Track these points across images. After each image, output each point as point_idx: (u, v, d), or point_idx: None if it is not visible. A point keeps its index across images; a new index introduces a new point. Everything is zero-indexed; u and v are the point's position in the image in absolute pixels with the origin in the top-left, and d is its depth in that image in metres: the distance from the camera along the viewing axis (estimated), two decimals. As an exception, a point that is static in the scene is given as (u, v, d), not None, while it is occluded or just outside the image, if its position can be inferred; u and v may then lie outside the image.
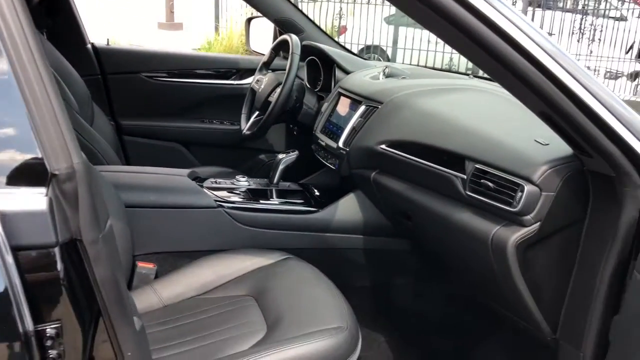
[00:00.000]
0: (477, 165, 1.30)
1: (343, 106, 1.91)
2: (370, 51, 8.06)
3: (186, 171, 1.80)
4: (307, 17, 2.49)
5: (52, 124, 0.73)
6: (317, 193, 1.88)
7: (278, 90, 2.04)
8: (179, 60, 2.50)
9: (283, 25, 2.45)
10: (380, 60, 8.27)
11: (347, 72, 2.09)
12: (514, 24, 0.99)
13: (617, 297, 1.15)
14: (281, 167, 1.86)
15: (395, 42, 8.22)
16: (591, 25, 7.28)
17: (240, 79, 2.57)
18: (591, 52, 7.25)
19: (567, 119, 1.06)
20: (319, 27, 2.53)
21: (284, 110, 2.04)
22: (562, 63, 1.02)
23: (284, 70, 2.41)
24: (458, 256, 1.47)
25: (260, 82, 2.22)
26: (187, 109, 2.53)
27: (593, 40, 7.25)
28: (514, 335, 1.44)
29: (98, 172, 1.39)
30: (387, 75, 1.85)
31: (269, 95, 2.10)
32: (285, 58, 2.47)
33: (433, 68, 2.03)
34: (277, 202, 1.79)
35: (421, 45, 7.83)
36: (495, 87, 1.74)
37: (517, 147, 1.27)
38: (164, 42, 9.01)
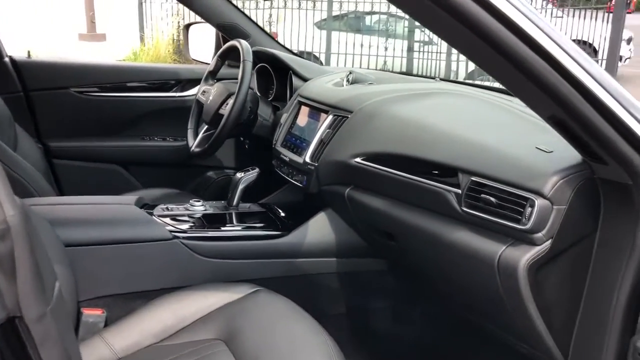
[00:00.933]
0: (473, 178, 1.17)
1: (305, 117, 1.74)
2: (302, 57, 7.92)
3: (132, 198, 1.58)
4: (252, 21, 2.31)
5: None
6: (282, 214, 1.70)
7: (230, 101, 1.85)
8: (113, 72, 2.25)
9: (227, 31, 2.25)
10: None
11: (304, 80, 1.92)
12: (526, 17, 0.86)
13: (636, 316, 1.05)
14: (241, 187, 1.67)
15: (328, 47, 8.14)
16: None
17: (182, 90, 2.35)
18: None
19: (583, 122, 0.94)
20: (265, 32, 2.35)
21: (238, 124, 1.84)
22: (581, 61, 0.90)
23: (232, 79, 2.22)
24: (453, 279, 1.33)
25: (207, 93, 2.02)
26: (124, 126, 2.29)
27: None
28: None
29: (35, 215, 1.16)
30: (352, 82, 1.70)
31: (219, 107, 1.90)
32: (232, 66, 2.28)
33: (395, 72, 1.89)
34: (239, 228, 1.60)
35: (354, 50, 7.80)
36: (471, 90, 1.63)
37: (519, 156, 1.15)
38: (86, 55, 8.53)
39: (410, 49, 7.95)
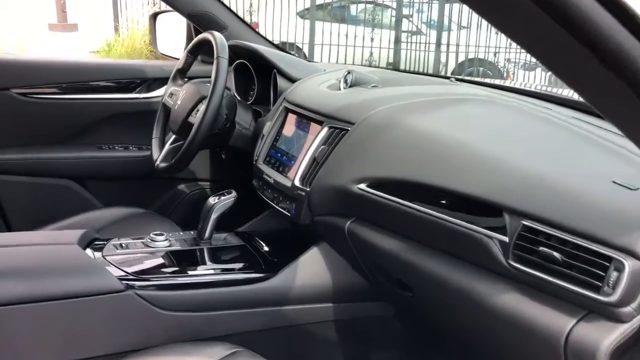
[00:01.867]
0: (525, 222, 0.86)
1: (293, 127, 1.42)
2: (285, 49, 7.57)
3: (76, 234, 1.25)
4: (229, 9, 1.97)
5: None
6: (265, 248, 1.38)
7: (202, 107, 1.52)
8: (64, 70, 1.90)
9: (199, 21, 1.92)
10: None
11: (292, 80, 1.60)
12: None
13: None
14: (214, 216, 1.34)
15: (312, 38, 7.79)
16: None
17: (148, 91, 2.01)
18: (511, 44, 7.14)
19: None
20: (245, 22, 2.02)
21: (210, 134, 1.52)
22: None
23: (206, 78, 1.89)
24: (492, 351, 1.02)
25: (175, 95, 1.68)
26: (78, 134, 1.94)
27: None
28: None
29: None
30: (352, 84, 1.37)
31: (188, 113, 1.57)
32: (206, 62, 1.95)
33: (400, 70, 1.57)
34: (212, 270, 1.28)
35: (339, 41, 7.46)
36: (497, 94, 1.32)
37: (592, 194, 0.84)
38: (56, 46, 8.08)
39: (397, 40, 7.63)
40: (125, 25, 8.92)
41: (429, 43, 7.43)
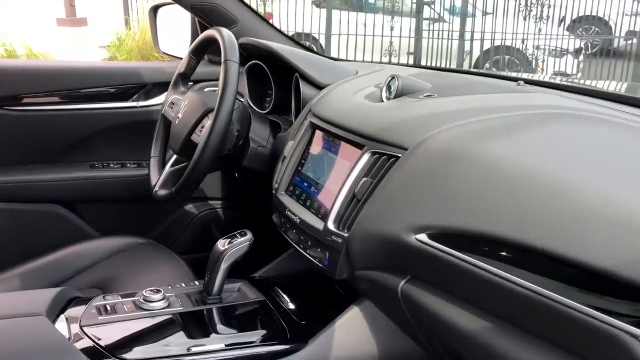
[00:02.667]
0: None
1: (322, 148, 1.11)
2: (301, 39, 7.26)
3: (47, 296, 0.98)
4: (240, 0, 1.67)
5: None
6: (290, 305, 1.09)
7: (207, 122, 1.23)
8: (48, 76, 1.61)
9: (205, 15, 1.62)
10: (313, 50, 7.47)
11: (319, 87, 1.29)
12: None
13: None
14: (224, 266, 1.05)
15: (328, 27, 7.44)
16: (537, 1, 6.77)
17: (147, 97, 1.72)
18: (540, 30, 6.75)
19: None
20: (257, 14, 1.71)
21: (220, 155, 1.22)
22: None
23: (212, 81, 1.59)
24: None
25: (176, 105, 1.39)
26: (66, 151, 1.66)
27: (540, 17, 6.74)
28: None
29: None
30: (398, 93, 1.06)
31: (192, 130, 1.27)
32: (214, 63, 1.66)
33: (451, 70, 1.25)
34: (223, 341, 0.98)
35: (357, 30, 7.11)
36: (592, 105, 1.00)
37: None
38: (65, 41, 7.84)
39: (418, 28, 7.25)
40: (136, 18, 8.65)
41: (452, 31, 7.05)
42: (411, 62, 7.24)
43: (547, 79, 1.19)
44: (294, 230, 1.09)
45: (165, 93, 1.69)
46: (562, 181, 0.73)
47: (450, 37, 7.03)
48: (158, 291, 1.03)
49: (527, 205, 0.74)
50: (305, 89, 1.28)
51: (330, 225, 0.98)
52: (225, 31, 1.25)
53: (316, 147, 1.12)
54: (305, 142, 1.15)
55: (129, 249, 1.52)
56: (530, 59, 7.01)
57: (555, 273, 0.69)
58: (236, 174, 1.56)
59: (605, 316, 0.62)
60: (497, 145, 0.84)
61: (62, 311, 0.98)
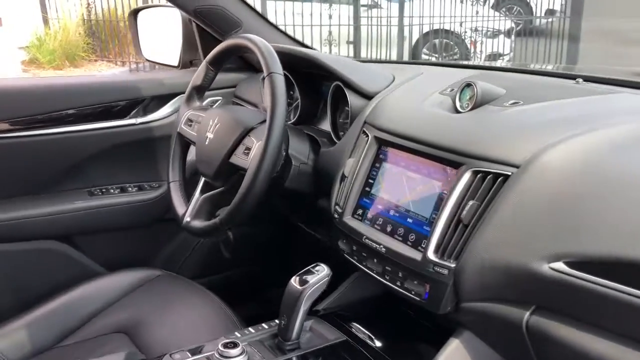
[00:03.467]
0: None
1: (396, 165, 1.01)
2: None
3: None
4: (243, 1, 1.53)
5: None
6: (377, 343, 0.99)
7: (252, 142, 1.10)
8: (31, 95, 1.40)
9: (208, 18, 1.48)
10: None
11: (367, 96, 1.18)
12: None
13: None
14: (304, 309, 0.93)
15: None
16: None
17: (145, 113, 1.55)
18: (477, 12, 6.88)
19: None
20: (262, 17, 1.58)
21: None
22: None
23: (224, 89, 1.47)
24: None
25: (197, 123, 1.25)
26: (59, 179, 1.47)
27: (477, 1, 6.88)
28: None
29: None
30: (478, 102, 0.97)
31: (231, 151, 1.14)
32: (225, 70, 1.51)
33: (508, 69, 1.17)
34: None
35: (294, 20, 6.97)
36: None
37: None
38: (-19, 45, 7.23)
39: (356, 15, 7.21)
40: (56, 16, 8.12)
41: (391, 17, 7.05)
42: (351, 51, 7.19)
43: (606, 75, 1.13)
44: (375, 260, 0.98)
45: (166, 106, 1.54)
46: None
47: (389, 24, 7.03)
48: (235, 344, 0.90)
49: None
50: (352, 98, 1.17)
51: (431, 255, 0.88)
52: (260, 40, 1.12)
53: (388, 165, 1.02)
54: (371, 159, 1.05)
55: (146, 284, 1.38)
56: (465, 40, 7.12)
57: None
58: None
59: None
60: (628, 157, 0.78)
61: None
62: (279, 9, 7.01)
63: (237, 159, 1.12)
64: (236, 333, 1.00)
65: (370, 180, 1.04)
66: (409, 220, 0.95)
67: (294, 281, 0.95)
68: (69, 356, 1.19)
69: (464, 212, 0.86)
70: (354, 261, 1.04)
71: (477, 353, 0.92)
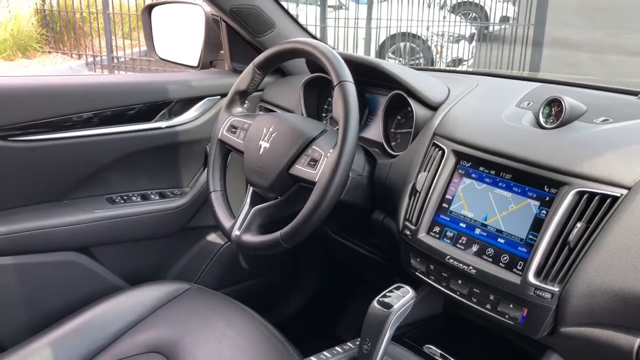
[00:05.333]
0: None
1: (480, 181, 0.98)
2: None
3: None
4: (277, 3, 1.46)
5: None
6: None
7: (317, 153, 1.04)
8: (50, 96, 1.29)
9: (241, 18, 1.41)
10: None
11: (432, 106, 1.14)
12: None
13: None
14: (389, 333, 0.89)
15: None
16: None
17: (170, 116, 1.46)
18: (444, 17, 6.96)
19: None
20: (293, 18, 1.52)
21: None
22: None
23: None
24: None
25: (242, 130, 1.18)
26: (78, 186, 1.36)
27: (444, 4, 6.96)
28: None
29: None
30: (566, 119, 0.94)
31: (291, 162, 1.07)
32: (238, 72, 1.44)
33: (567, 83, 1.16)
34: None
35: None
36: None
37: None
38: None
39: (323, 16, 7.17)
40: (7, 5, 7.71)
41: (358, 18, 7.05)
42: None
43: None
44: (460, 281, 0.94)
45: (193, 109, 1.46)
46: None
47: (356, 25, 7.03)
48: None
49: None
50: (418, 109, 1.13)
51: (532, 279, 0.85)
52: (325, 46, 1.06)
53: (469, 180, 0.98)
54: (448, 174, 1.01)
55: (175, 299, 1.29)
56: (430, 44, 7.19)
57: None
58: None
59: None
60: None
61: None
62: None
63: (300, 170, 1.06)
64: (312, 358, 0.94)
65: (448, 197, 1.00)
66: (501, 240, 0.91)
67: (377, 304, 0.89)
68: None
69: (571, 235, 0.83)
70: (430, 280, 1.00)
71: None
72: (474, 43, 7.81)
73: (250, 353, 1.10)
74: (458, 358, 0.97)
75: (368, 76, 1.24)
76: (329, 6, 7.28)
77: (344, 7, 7.36)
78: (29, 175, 1.28)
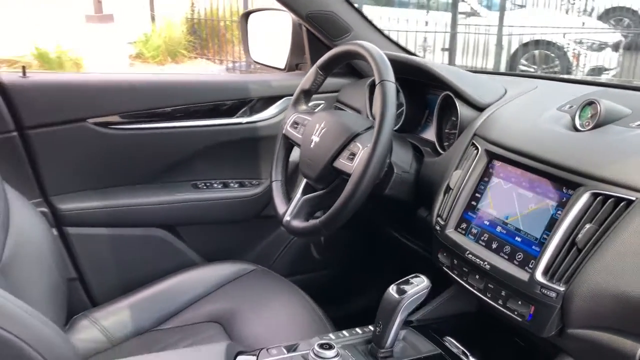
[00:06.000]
0: None
1: (506, 180, 0.99)
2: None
3: (220, 347, 0.92)
4: (355, 8, 1.55)
5: None
6: (471, 359, 0.97)
7: (357, 148, 1.11)
8: (149, 91, 1.49)
9: (318, 23, 1.51)
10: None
11: (479, 108, 1.16)
12: None
13: None
14: (400, 318, 0.93)
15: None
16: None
17: (252, 112, 1.60)
18: (583, 23, 6.57)
19: None
20: (370, 23, 1.59)
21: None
22: None
23: (329, 93, 1.49)
24: None
25: (302, 126, 1.28)
26: (168, 171, 1.55)
27: (585, 10, 6.57)
28: None
29: None
30: (601, 121, 0.93)
31: (335, 155, 1.16)
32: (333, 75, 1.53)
33: (633, 87, 1.12)
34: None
35: (390, 25, 6.96)
36: None
37: None
38: (95, 37, 7.76)
39: (454, 22, 7.09)
40: (162, 15, 8.54)
41: (490, 25, 6.87)
42: (446, 58, 7.09)
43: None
44: (477, 277, 0.97)
45: (272, 107, 1.59)
46: None
47: (487, 32, 6.86)
48: (330, 347, 0.91)
49: None
50: (463, 109, 1.16)
51: (539, 277, 0.86)
52: (373, 47, 1.13)
53: (497, 180, 1.00)
54: (479, 173, 1.03)
55: (242, 277, 1.43)
56: (567, 52, 6.81)
57: None
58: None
59: None
60: None
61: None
62: (375, 13, 7.04)
63: (341, 163, 1.14)
64: (330, 335, 1.02)
65: (477, 195, 1.03)
66: (518, 239, 0.93)
67: (392, 290, 0.95)
68: (167, 339, 1.26)
69: (580, 235, 0.83)
70: (454, 275, 1.03)
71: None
72: (620, 51, 7.27)
73: (295, 335, 1.18)
74: (476, 355, 0.99)
75: (419, 77, 1.29)
76: (461, 13, 7.18)
77: (475, 14, 7.23)
78: (126, 159, 1.48)
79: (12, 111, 1.33)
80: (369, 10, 7.07)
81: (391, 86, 1.07)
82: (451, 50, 7.09)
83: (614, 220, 0.81)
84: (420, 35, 7.01)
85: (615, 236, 0.80)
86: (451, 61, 7.00)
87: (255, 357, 0.92)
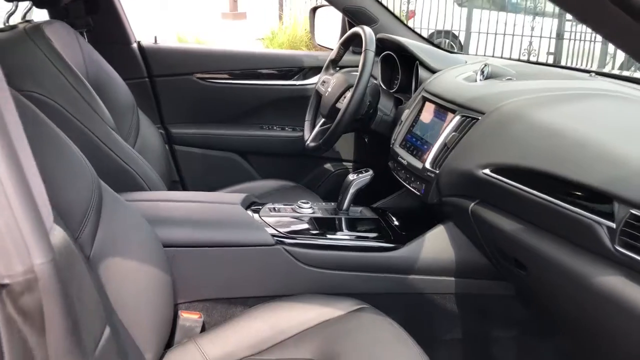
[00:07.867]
0: (633, 211, 0.92)
1: (429, 114, 1.55)
2: (441, 36, 7.59)
3: (239, 197, 1.50)
4: (381, 4, 2.13)
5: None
6: (396, 222, 1.54)
7: (348, 94, 1.71)
8: (235, 59, 2.20)
9: (353, 15, 2.11)
10: (452, 46, 7.78)
11: (432, 71, 1.72)
12: None
13: None
14: (352, 190, 1.52)
15: (468, 25, 7.69)
16: None
17: (304, 78, 2.25)
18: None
19: None
20: (395, 16, 2.17)
21: (355, 119, 1.70)
22: None
23: (355, 67, 2.08)
24: (598, 329, 1.09)
25: (326, 83, 1.89)
26: (244, 114, 2.24)
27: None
28: None
29: (133, 213, 1.13)
30: (487, 76, 1.47)
31: (337, 100, 1.77)
32: (356, 53, 2.14)
33: (539, 63, 1.62)
34: (347, 236, 1.46)
35: (497, 29, 7.28)
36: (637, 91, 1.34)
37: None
38: (228, 33, 8.83)
39: (560, 30, 7.25)
40: (289, 14, 9.45)
41: (595, 33, 6.94)
42: (550, 61, 7.26)
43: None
44: (403, 171, 1.54)
45: (318, 75, 2.22)
46: (576, 133, 1.11)
47: (593, 39, 6.96)
48: (307, 203, 1.53)
49: (552, 148, 1.13)
50: (422, 72, 1.72)
51: (427, 165, 1.42)
52: (367, 28, 1.72)
53: (425, 114, 1.56)
54: (417, 110, 1.60)
55: (284, 189, 2.06)
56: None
57: (563, 189, 1.07)
58: (365, 139, 2.04)
59: (586, 212, 1.00)
60: (543, 111, 1.23)
61: (248, 207, 1.51)
62: (484, 17, 7.39)
63: (340, 104, 1.74)
64: (301, 204, 1.61)
65: (414, 123, 1.59)
66: (425, 146, 1.49)
67: (349, 176, 1.54)
68: None
69: (448, 139, 1.38)
70: (394, 174, 1.60)
71: (452, 235, 1.43)
72: None
73: None
74: (398, 220, 1.55)
75: (406, 52, 1.85)
76: (567, 20, 7.32)
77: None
78: (216, 103, 2.19)
79: (146, 65, 2.08)
80: (482, 14, 7.43)
81: (370, 54, 1.66)
82: (556, 54, 7.26)
83: (467, 130, 1.35)
84: (526, 40, 7.26)
85: (465, 139, 1.34)
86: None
87: (262, 205, 1.55)
